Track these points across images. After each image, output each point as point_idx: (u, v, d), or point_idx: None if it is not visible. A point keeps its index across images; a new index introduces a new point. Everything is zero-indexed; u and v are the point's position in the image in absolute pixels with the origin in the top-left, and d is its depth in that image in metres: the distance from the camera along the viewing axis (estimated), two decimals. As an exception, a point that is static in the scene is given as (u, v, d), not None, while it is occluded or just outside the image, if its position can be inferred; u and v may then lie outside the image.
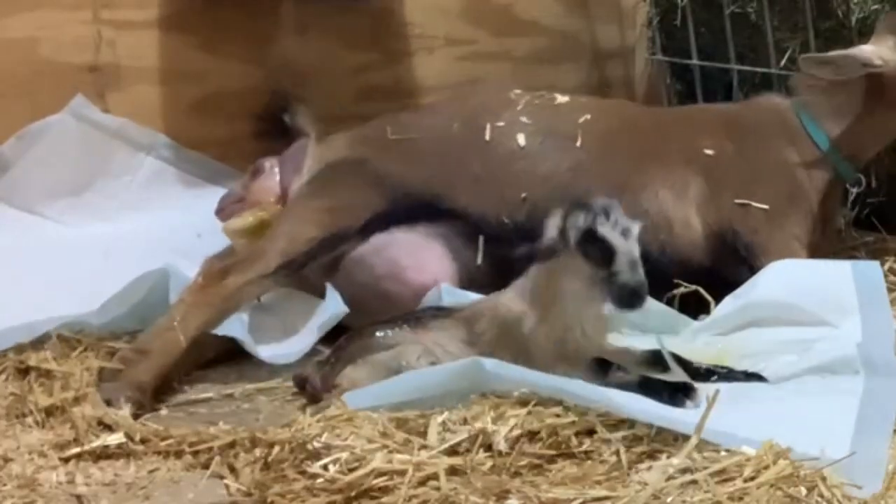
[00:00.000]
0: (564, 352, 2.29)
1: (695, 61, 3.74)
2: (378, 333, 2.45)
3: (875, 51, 2.90)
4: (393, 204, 2.79)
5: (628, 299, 2.22)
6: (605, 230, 2.20)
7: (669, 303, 2.75)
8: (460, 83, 3.83)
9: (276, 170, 2.99)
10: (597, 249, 2.21)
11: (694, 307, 2.77)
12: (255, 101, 3.20)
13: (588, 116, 2.92)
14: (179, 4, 3.47)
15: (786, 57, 3.43)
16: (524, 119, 2.88)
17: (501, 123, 2.87)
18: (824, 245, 3.01)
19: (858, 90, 2.92)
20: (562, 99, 3.00)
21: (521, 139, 2.85)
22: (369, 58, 3.74)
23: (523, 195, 2.80)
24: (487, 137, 2.85)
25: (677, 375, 2.32)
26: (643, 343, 2.66)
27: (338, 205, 2.78)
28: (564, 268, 2.27)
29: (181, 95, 3.17)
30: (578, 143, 2.86)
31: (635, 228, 2.23)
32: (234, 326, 2.66)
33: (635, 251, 2.22)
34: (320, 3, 3.62)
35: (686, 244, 2.83)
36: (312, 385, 2.50)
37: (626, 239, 2.21)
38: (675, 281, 2.76)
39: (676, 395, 2.26)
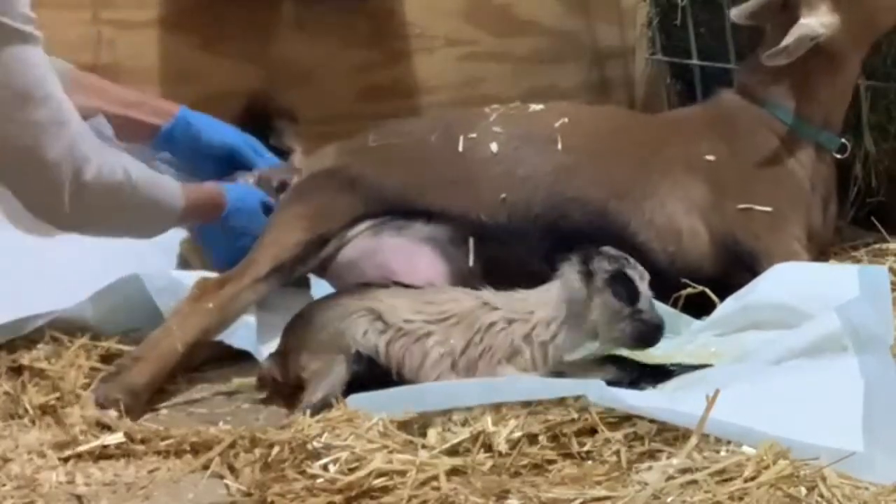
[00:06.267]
0: (542, 356, 2.41)
1: (695, 61, 3.74)
2: (322, 311, 2.50)
3: (815, 21, 2.92)
4: (368, 206, 2.82)
5: (651, 335, 2.39)
6: (631, 272, 2.39)
7: (674, 303, 2.75)
8: (460, 83, 3.83)
9: (252, 183, 3.02)
10: (625, 288, 2.38)
11: (697, 308, 2.77)
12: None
13: (565, 120, 2.93)
14: (179, 4, 3.47)
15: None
16: (496, 129, 2.91)
17: (474, 135, 2.90)
18: (825, 231, 3.01)
19: (805, 62, 2.93)
20: (536, 107, 3.02)
21: (493, 147, 2.88)
22: (369, 58, 3.74)
23: (503, 196, 2.82)
24: (460, 148, 2.87)
25: (631, 376, 2.43)
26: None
27: (317, 210, 2.81)
28: (588, 305, 2.40)
29: (181, 95, 3.16)
30: (559, 147, 2.88)
31: (647, 275, 2.43)
32: (242, 335, 2.67)
33: (650, 293, 2.42)
34: (320, 3, 3.62)
35: (695, 255, 2.83)
36: (274, 378, 2.54)
37: (642, 281, 2.41)
38: (683, 280, 2.76)
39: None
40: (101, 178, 2.44)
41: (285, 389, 2.52)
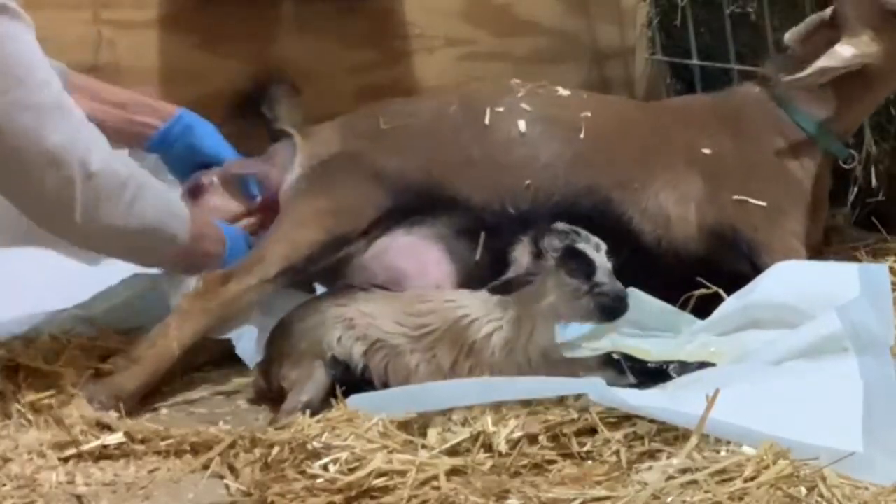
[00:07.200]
0: (525, 359, 2.38)
1: (695, 61, 3.75)
2: (301, 320, 2.49)
3: (847, 52, 2.89)
4: (395, 199, 2.72)
5: (615, 307, 2.32)
6: (583, 246, 2.32)
7: (685, 304, 2.74)
8: (460, 83, 3.83)
9: (217, 181, 2.88)
10: (578, 264, 2.31)
11: (698, 308, 2.77)
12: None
13: (589, 113, 2.89)
14: (179, 4, 3.47)
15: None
16: (525, 106, 2.83)
17: (501, 109, 2.81)
18: (815, 230, 3.01)
19: (841, 77, 2.91)
20: (564, 92, 2.97)
21: (521, 125, 2.80)
22: (369, 58, 3.75)
23: (527, 182, 2.76)
24: (487, 121, 2.78)
25: (628, 379, 2.39)
26: (641, 343, 2.68)
27: (340, 206, 2.70)
28: (542, 287, 2.33)
29: (181, 95, 3.16)
30: (582, 135, 2.84)
31: (603, 245, 2.34)
32: (242, 344, 2.63)
33: (608, 263, 2.33)
34: (320, 3, 3.63)
35: (681, 237, 2.82)
36: (261, 387, 2.54)
37: (598, 253, 2.33)
38: (699, 280, 2.74)
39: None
40: (109, 167, 2.25)
41: (273, 396, 2.51)
